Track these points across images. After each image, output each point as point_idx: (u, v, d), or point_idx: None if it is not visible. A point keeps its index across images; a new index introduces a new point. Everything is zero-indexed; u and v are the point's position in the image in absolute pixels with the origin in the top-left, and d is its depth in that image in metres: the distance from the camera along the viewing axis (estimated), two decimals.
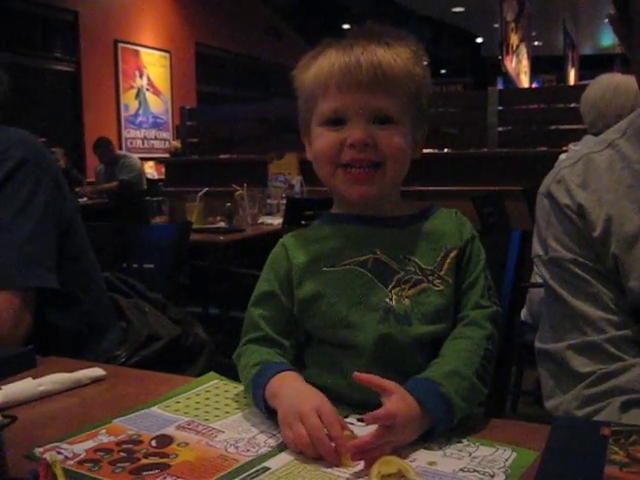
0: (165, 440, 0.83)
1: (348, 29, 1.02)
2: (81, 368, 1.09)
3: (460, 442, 0.83)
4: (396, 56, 0.98)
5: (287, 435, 0.82)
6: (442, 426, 0.83)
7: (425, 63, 1.04)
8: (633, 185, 0.99)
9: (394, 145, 0.97)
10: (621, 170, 1.00)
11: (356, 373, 0.83)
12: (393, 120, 0.98)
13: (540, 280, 2.38)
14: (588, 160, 1.04)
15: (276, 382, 0.90)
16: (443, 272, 1.00)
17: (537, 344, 1.06)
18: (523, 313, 2.50)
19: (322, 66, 0.99)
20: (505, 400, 1.60)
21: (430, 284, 0.99)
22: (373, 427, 0.80)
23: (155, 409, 0.94)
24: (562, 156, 2.68)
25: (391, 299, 0.98)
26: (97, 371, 1.09)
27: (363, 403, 0.89)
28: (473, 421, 0.88)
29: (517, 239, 1.44)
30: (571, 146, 2.76)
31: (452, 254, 1.01)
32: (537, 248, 1.07)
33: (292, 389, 0.88)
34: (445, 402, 0.85)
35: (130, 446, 0.82)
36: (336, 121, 0.98)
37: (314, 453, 0.78)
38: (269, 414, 0.89)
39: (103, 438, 0.84)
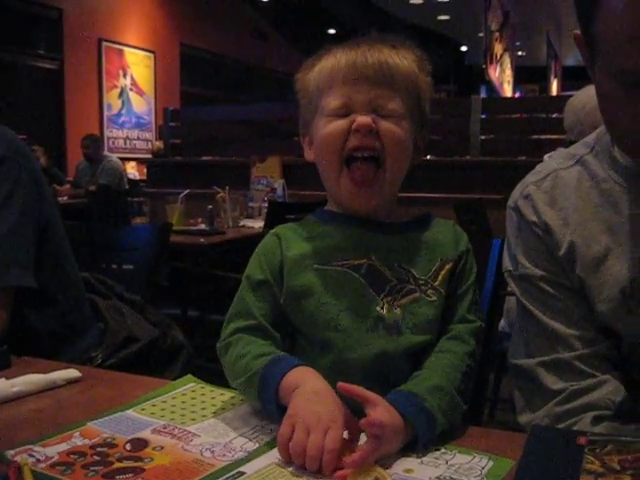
0: (140, 444, 0.82)
1: (352, 36, 1.03)
2: (56, 369, 1.08)
3: (437, 450, 0.83)
4: (402, 57, 1.00)
5: (285, 433, 0.79)
6: (423, 439, 0.83)
7: (428, 70, 1.05)
8: (600, 205, 0.98)
9: (396, 136, 0.98)
10: (589, 188, 1.00)
11: (340, 383, 0.83)
12: (395, 115, 0.99)
13: None
14: (556, 177, 1.03)
15: (293, 376, 0.87)
16: (437, 283, 1.00)
17: (510, 359, 1.06)
18: (501, 322, 2.51)
19: (327, 63, 1.01)
20: (483, 407, 1.60)
21: (423, 294, 0.99)
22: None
23: (130, 412, 0.92)
24: (538, 167, 2.71)
25: (382, 308, 0.97)
26: (72, 372, 1.07)
27: None
28: (451, 429, 0.88)
29: (497, 248, 1.45)
30: (546, 157, 2.79)
31: (447, 266, 1.01)
32: (507, 263, 1.07)
33: (312, 388, 0.84)
34: (428, 417, 0.84)
35: (104, 449, 0.81)
36: (341, 114, 0.99)
37: (300, 463, 0.77)
38: (279, 411, 0.86)
39: (77, 441, 0.83)
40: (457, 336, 0.98)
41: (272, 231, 1.06)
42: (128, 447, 0.81)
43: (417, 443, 0.82)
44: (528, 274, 1.02)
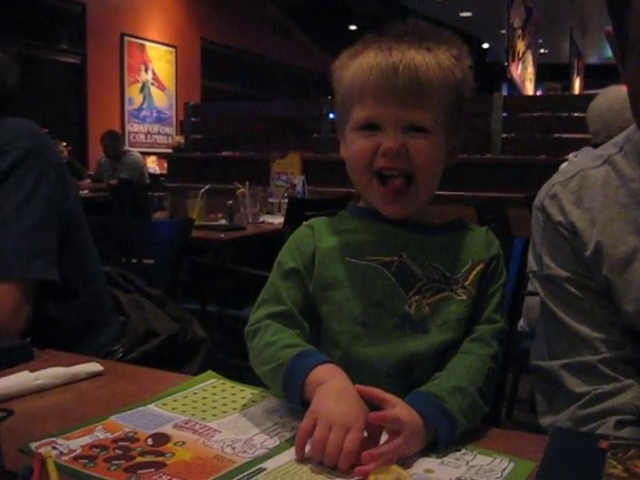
0: (161, 439, 0.83)
1: (391, 24, 1.00)
2: (78, 362, 1.08)
3: (458, 450, 0.82)
4: (436, 64, 0.96)
5: (306, 428, 0.79)
6: (444, 441, 0.83)
7: (467, 65, 1.02)
8: (628, 204, 0.97)
9: (425, 156, 0.97)
10: (617, 188, 0.99)
11: (358, 386, 0.83)
12: (427, 130, 0.97)
13: None
14: (583, 176, 1.02)
15: (319, 372, 0.86)
16: (468, 282, 1.00)
17: (532, 360, 1.06)
18: (520, 321, 2.49)
19: (360, 69, 0.98)
20: (501, 407, 1.60)
21: (453, 293, 0.99)
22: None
23: (152, 407, 0.93)
24: (563, 165, 2.69)
25: (410, 306, 0.97)
26: (94, 366, 1.08)
27: None
28: (471, 430, 0.88)
29: (520, 247, 1.44)
30: (571, 156, 2.76)
31: (479, 267, 1.01)
32: (532, 263, 1.06)
33: (338, 386, 0.84)
34: (449, 419, 0.84)
35: (126, 443, 0.81)
36: (370, 127, 0.98)
37: (318, 459, 0.77)
38: (302, 405, 0.86)
39: (99, 434, 0.84)
40: (480, 338, 0.98)
41: (306, 222, 1.07)
42: (150, 442, 0.82)
43: (437, 444, 0.82)
44: (553, 275, 1.01)
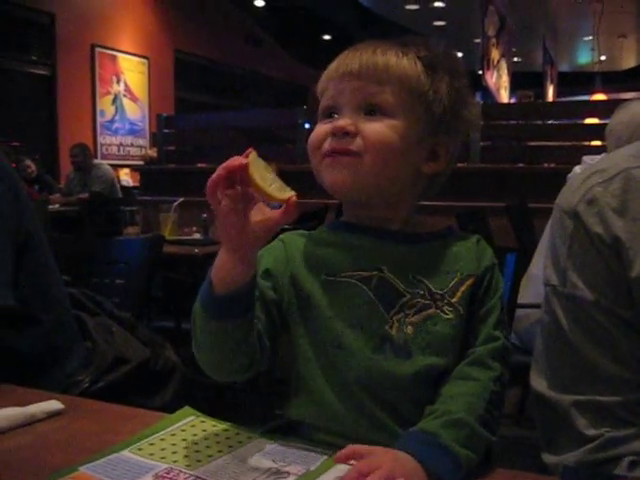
0: None
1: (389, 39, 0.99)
2: (36, 399, 0.97)
3: None
4: (402, 54, 0.93)
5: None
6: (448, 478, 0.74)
7: (449, 70, 0.95)
8: None
9: (377, 135, 0.89)
10: None
11: (336, 455, 0.74)
12: (385, 111, 0.90)
13: (529, 300, 2.24)
14: (628, 177, 0.84)
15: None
16: (455, 299, 0.90)
17: (535, 385, 0.91)
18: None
19: (329, 68, 0.96)
20: None
21: (439, 310, 0.89)
22: None
23: (127, 453, 0.81)
24: (576, 168, 2.53)
25: (391, 327, 0.88)
26: (54, 404, 0.97)
27: (347, 437, 0.81)
28: (478, 470, 0.79)
29: (512, 263, 1.37)
30: (587, 159, 2.57)
31: (468, 282, 0.91)
32: (552, 276, 0.89)
33: None
34: (446, 453, 0.76)
35: None
36: (330, 113, 0.93)
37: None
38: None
39: None
40: (479, 361, 0.89)
41: (279, 237, 0.98)
42: None
43: None
44: (578, 296, 0.86)
